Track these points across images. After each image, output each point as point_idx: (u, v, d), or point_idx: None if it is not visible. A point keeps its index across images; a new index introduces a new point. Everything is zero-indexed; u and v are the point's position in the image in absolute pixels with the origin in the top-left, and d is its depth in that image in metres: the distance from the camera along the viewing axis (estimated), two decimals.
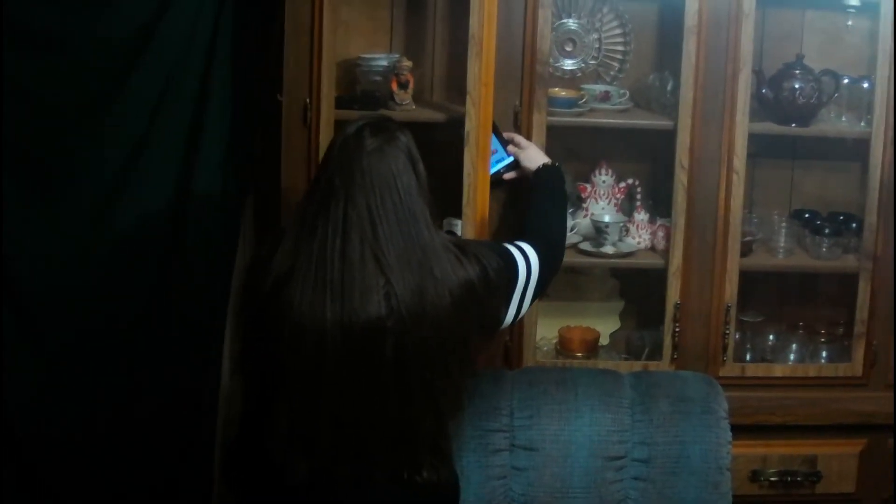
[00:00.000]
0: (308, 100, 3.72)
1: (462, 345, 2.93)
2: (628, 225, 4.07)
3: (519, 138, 3.71)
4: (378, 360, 2.83)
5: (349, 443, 2.89)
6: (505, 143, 3.71)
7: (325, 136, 3.69)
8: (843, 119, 4.11)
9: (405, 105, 3.87)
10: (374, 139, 2.88)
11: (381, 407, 2.87)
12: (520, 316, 3.23)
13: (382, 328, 2.81)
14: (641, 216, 4.08)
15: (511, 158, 3.69)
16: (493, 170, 3.67)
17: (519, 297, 3.17)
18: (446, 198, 3.96)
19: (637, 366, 3.98)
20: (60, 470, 3.92)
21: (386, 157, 2.87)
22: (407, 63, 3.87)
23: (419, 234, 2.87)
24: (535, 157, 3.65)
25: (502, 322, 3.15)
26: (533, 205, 3.51)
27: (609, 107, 4.03)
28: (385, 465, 2.93)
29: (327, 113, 3.71)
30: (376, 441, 2.90)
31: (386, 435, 2.90)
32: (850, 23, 4.09)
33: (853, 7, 4.03)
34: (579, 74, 4.14)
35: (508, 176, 3.72)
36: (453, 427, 3.08)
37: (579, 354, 4.06)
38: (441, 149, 4.01)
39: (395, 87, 3.86)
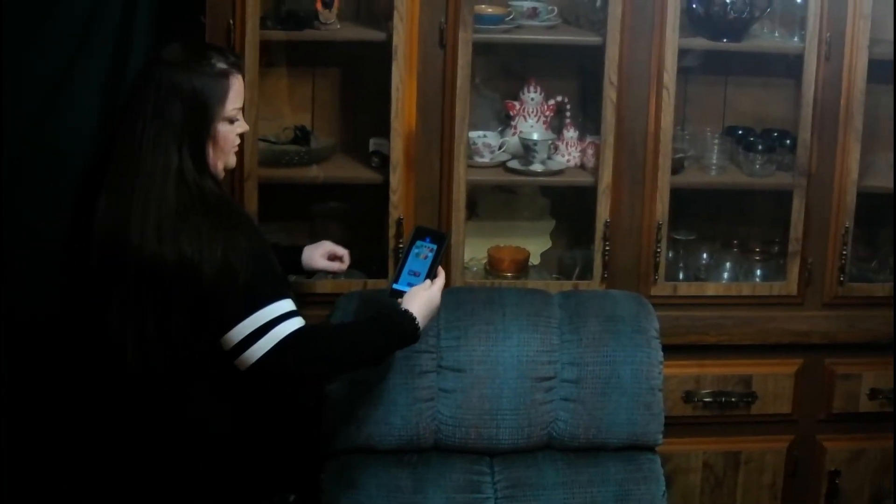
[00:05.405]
0: (231, 21, 3.67)
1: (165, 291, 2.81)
2: (557, 143, 4.03)
3: (439, 279, 3.17)
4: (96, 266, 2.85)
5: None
6: (433, 274, 3.16)
7: (250, 58, 3.68)
8: (776, 35, 4.05)
9: (330, 24, 3.83)
10: (172, 53, 2.88)
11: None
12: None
13: (89, 237, 2.83)
14: (571, 134, 4.03)
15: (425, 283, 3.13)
16: (402, 288, 3.11)
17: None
18: (373, 118, 3.94)
19: (567, 285, 3.94)
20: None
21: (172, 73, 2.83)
22: None
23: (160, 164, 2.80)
24: (420, 301, 3.08)
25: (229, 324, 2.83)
26: (359, 322, 3.12)
27: (537, 23, 3.97)
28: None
29: (252, 34, 3.69)
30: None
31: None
32: None
33: None
34: None
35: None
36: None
37: (509, 275, 4.02)
38: (367, 69, 3.98)
39: (319, 6, 3.81)
